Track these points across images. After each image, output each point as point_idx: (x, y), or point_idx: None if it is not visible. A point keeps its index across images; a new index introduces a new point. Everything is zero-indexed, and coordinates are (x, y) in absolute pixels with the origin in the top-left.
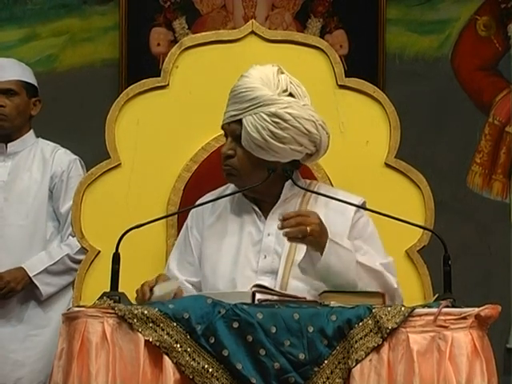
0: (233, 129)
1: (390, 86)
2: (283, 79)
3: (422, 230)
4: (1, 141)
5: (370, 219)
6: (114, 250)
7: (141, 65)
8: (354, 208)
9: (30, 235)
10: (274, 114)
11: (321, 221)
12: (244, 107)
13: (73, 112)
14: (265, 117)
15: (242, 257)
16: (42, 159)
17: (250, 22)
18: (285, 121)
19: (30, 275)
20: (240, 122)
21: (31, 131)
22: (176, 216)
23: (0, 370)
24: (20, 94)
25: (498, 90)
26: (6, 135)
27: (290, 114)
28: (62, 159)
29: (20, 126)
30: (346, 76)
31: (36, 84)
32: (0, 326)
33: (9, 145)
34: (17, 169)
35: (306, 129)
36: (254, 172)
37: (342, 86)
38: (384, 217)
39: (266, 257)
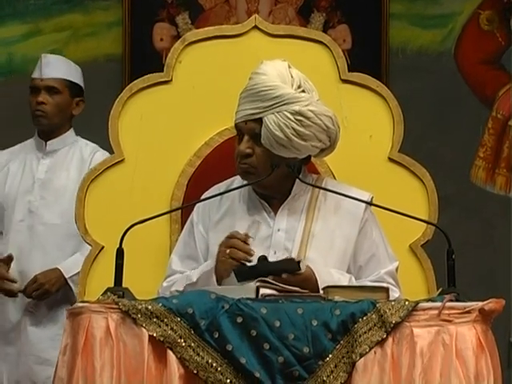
0: (250, 127)
1: (393, 80)
2: (295, 75)
3: (425, 225)
4: (41, 138)
5: (376, 218)
6: (118, 246)
7: (144, 60)
8: (364, 206)
9: (63, 235)
10: (298, 112)
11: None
12: (265, 106)
13: None
14: (288, 115)
15: None
16: (80, 159)
17: (253, 16)
18: (307, 118)
19: (66, 276)
20: (258, 120)
21: (71, 130)
22: (180, 211)
23: (31, 369)
24: (62, 92)
25: (501, 84)
26: (46, 132)
27: (312, 111)
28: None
29: (59, 125)
30: (349, 70)
31: (82, 84)
32: (32, 325)
33: (48, 143)
34: (55, 167)
35: (325, 125)
36: (275, 170)
37: (345, 81)
38: (388, 211)
39: (275, 252)
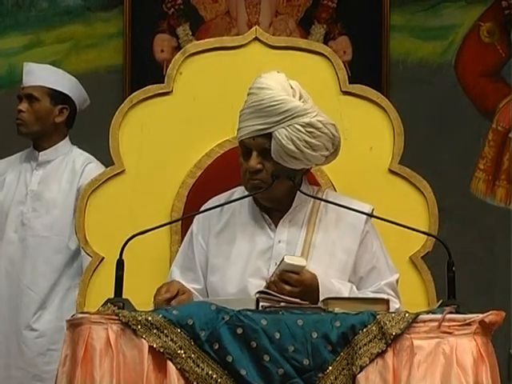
0: (259, 142)
1: (394, 92)
2: (294, 86)
3: (425, 236)
4: (35, 148)
5: (377, 230)
6: (118, 257)
7: (145, 71)
8: (364, 218)
9: (52, 248)
10: (308, 124)
11: (302, 285)
12: (275, 120)
13: (76, 118)
14: (299, 128)
15: (251, 264)
16: (72, 170)
17: (254, 28)
18: (317, 129)
19: None
20: (267, 135)
21: (66, 140)
22: (180, 222)
23: None
24: (41, 100)
25: (502, 96)
26: (38, 142)
27: (320, 121)
28: (92, 173)
29: (41, 133)
30: (349, 82)
31: (67, 92)
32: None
33: (41, 153)
34: (47, 179)
35: (332, 133)
36: (282, 183)
37: (345, 93)
38: (388, 223)
39: (276, 264)
